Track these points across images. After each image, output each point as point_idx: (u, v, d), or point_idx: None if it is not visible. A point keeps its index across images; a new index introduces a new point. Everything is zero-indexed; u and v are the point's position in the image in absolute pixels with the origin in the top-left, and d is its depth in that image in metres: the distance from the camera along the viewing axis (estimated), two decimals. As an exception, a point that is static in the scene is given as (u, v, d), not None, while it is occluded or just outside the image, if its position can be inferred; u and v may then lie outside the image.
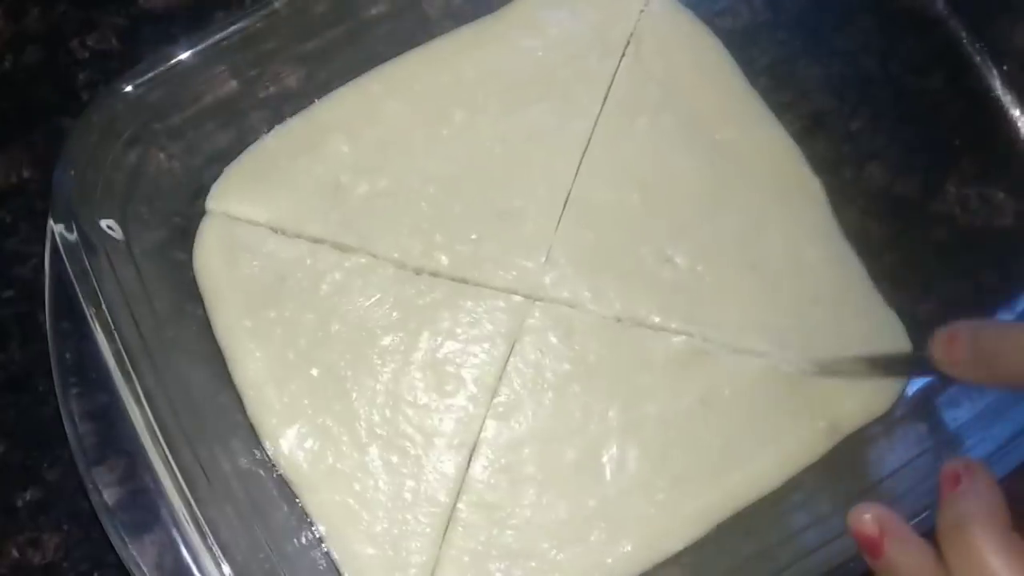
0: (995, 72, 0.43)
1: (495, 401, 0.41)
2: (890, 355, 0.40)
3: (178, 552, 0.35)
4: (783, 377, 0.41)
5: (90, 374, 0.36)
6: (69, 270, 0.37)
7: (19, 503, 0.41)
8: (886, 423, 0.42)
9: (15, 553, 0.41)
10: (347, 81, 0.44)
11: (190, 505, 0.35)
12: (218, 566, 0.35)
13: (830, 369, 0.41)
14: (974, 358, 0.32)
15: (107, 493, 0.36)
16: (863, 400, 0.41)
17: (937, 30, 0.45)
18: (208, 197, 0.43)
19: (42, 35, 0.47)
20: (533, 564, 0.38)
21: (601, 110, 0.45)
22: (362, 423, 0.40)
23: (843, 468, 0.41)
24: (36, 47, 0.47)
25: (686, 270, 0.42)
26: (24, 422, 0.42)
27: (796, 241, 0.43)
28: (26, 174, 0.45)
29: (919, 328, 0.43)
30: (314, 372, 0.41)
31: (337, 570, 0.38)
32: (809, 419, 0.41)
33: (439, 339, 0.41)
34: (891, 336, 0.43)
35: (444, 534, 0.39)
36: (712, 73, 0.46)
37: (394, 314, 0.41)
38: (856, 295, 0.43)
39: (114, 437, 0.36)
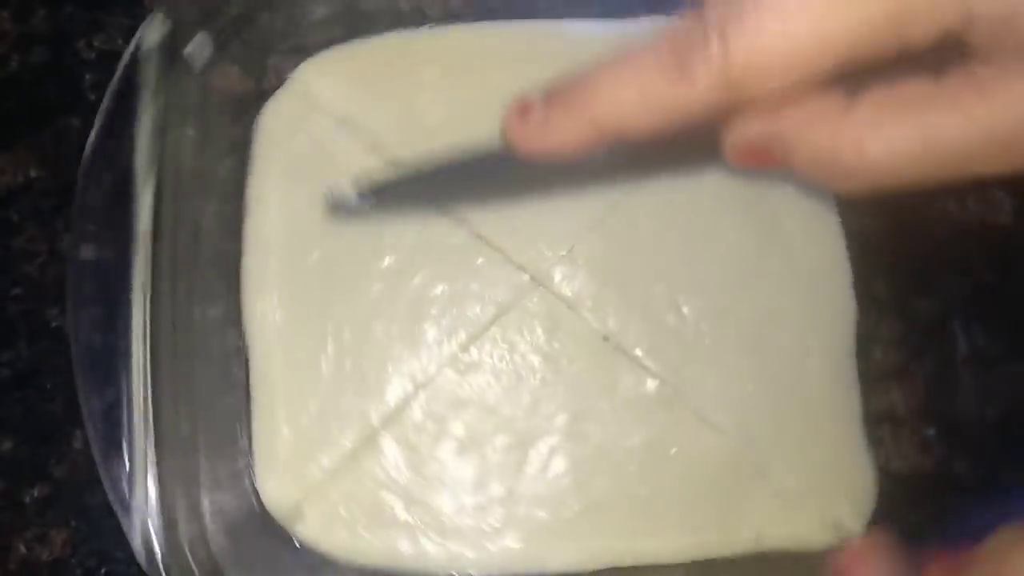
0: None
1: (460, 355, 0.41)
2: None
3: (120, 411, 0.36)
4: (732, 466, 0.41)
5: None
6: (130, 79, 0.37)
7: (26, 499, 0.41)
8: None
9: (23, 549, 0.41)
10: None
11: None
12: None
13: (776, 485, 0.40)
14: (549, 114, 0.25)
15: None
16: (799, 529, 0.40)
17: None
18: (300, 67, 0.43)
19: (48, 36, 0.48)
20: (425, 517, 0.39)
21: None
22: (333, 321, 0.41)
23: None
24: (42, 47, 0.47)
25: (690, 323, 0.42)
26: (31, 419, 0.42)
27: (806, 349, 0.42)
28: (33, 173, 0.46)
29: (917, 326, 0.43)
30: (315, 255, 0.41)
31: (250, 439, 0.40)
32: (736, 517, 0.40)
33: (436, 281, 0.42)
34: (857, 484, 0.41)
35: (359, 452, 0.40)
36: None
37: (405, 241, 0.42)
38: (842, 426, 0.42)
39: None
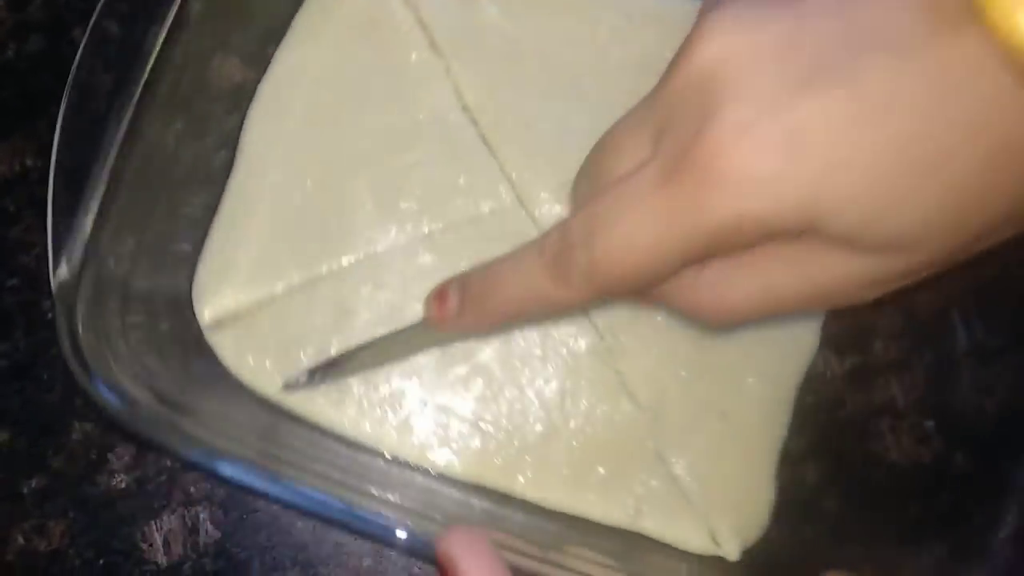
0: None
1: (422, 239, 0.41)
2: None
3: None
4: (634, 441, 0.40)
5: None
6: None
7: (24, 490, 0.41)
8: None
9: (21, 540, 0.41)
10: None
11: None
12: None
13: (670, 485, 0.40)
14: (463, 307, 0.31)
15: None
16: (676, 525, 0.40)
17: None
18: None
19: (45, 24, 0.47)
20: (329, 372, 0.40)
21: None
22: (322, 161, 0.42)
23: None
24: (38, 36, 0.47)
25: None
26: (29, 410, 0.42)
27: (753, 366, 0.42)
28: (29, 163, 0.45)
29: (917, 318, 0.43)
30: (329, 98, 0.42)
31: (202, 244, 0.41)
32: (620, 488, 0.40)
33: (430, 162, 0.42)
34: (749, 510, 0.41)
35: (295, 292, 0.41)
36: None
37: (419, 117, 0.42)
38: (757, 452, 0.41)
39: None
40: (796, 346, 0.43)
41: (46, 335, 0.43)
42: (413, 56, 0.43)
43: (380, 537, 0.33)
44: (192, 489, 0.41)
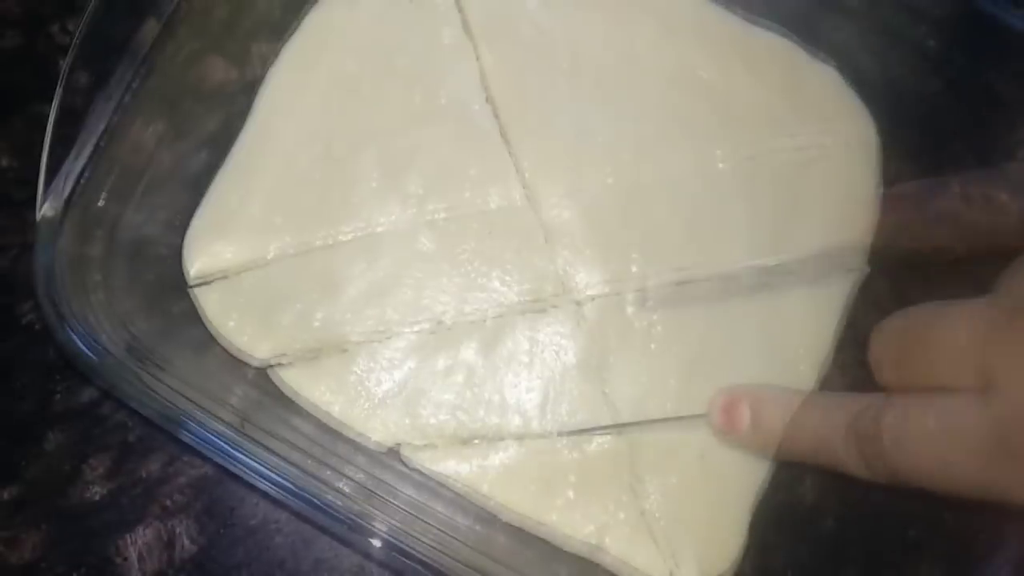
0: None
1: (424, 219, 0.40)
2: None
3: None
4: (611, 458, 0.39)
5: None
6: None
7: (-3, 501, 0.40)
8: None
9: (-8, 552, 0.40)
10: None
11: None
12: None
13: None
14: (753, 430, 0.34)
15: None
16: (638, 555, 0.38)
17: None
18: None
19: (21, 20, 0.46)
20: (307, 338, 0.39)
21: None
22: (335, 128, 0.41)
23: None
24: (15, 32, 0.46)
25: (648, 308, 0.40)
26: (2, 418, 0.41)
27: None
28: (4, 162, 0.44)
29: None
30: (351, 66, 0.42)
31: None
32: (586, 511, 0.38)
33: (443, 145, 0.41)
34: (716, 553, 0.38)
35: (286, 257, 0.40)
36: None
37: (440, 99, 0.42)
38: (735, 494, 0.39)
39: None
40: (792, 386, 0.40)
41: (21, 341, 0.42)
42: (445, 36, 0.42)
43: (331, 529, 0.33)
44: (169, 502, 0.40)
